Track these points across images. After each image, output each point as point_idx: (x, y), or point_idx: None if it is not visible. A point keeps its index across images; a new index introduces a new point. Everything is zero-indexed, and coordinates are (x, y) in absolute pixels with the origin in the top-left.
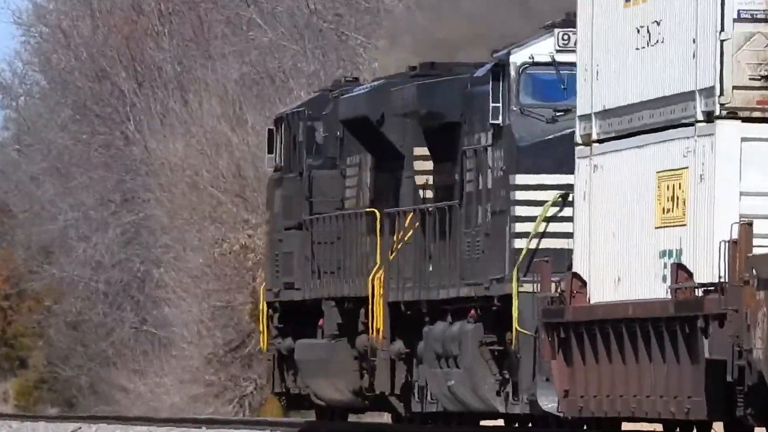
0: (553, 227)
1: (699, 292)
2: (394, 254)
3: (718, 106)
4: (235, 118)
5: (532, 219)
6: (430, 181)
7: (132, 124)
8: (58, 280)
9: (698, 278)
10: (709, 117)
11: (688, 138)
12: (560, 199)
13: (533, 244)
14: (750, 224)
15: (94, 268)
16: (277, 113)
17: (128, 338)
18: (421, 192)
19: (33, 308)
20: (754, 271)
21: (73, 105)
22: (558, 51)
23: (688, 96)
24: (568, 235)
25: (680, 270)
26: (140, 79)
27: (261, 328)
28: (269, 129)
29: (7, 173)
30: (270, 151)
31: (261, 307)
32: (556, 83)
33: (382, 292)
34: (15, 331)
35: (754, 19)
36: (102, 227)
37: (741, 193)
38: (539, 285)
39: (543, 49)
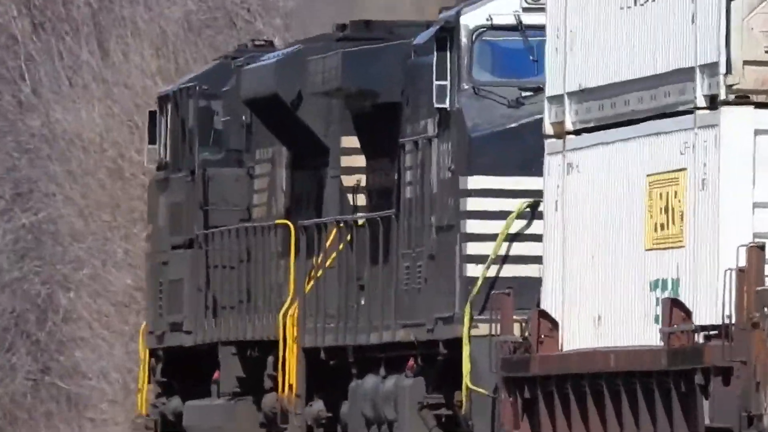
0: (519, 248)
1: (700, 338)
2: (311, 283)
3: (723, 88)
4: (177, 75)
5: (490, 237)
6: (364, 182)
7: (28, 83)
8: None
9: (698, 319)
10: (713, 102)
11: (686, 130)
12: (528, 209)
13: (492, 272)
14: (762, 247)
15: None
16: (161, 90)
17: (23, 393)
18: (351, 197)
19: None
20: (766, 309)
21: None
22: (525, 9)
23: (685, 74)
24: (539, 259)
25: (675, 308)
26: (39, 18)
27: (139, 385)
28: (150, 111)
29: None
30: (152, 141)
31: (141, 356)
32: (523, 53)
33: (296, 335)
34: None
35: None
36: None
37: (755, 205)
38: (499, 326)
39: (506, 6)
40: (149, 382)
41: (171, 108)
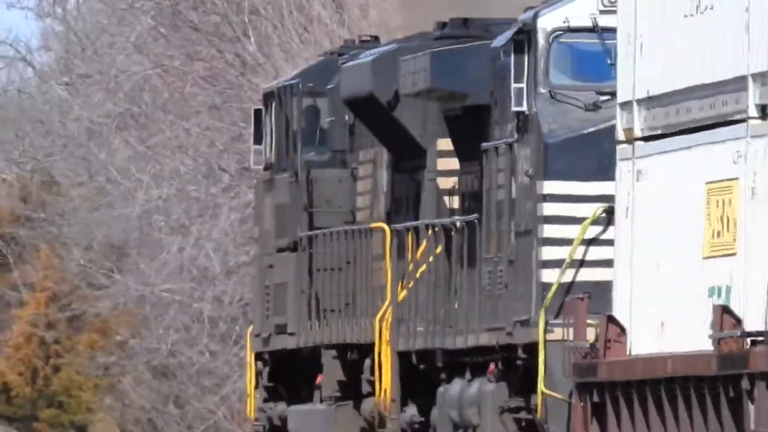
0: (594, 253)
1: (748, 343)
2: (406, 287)
3: None
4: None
5: (566, 242)
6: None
7: (253, 40)
8: (136, 300)
9: (748, 325)
10: (764, 112)
11: (738, 139)
12: (604, 215)
13: (567, 276)
14: None
15: (196, 278)
16: (266, 87)
17: None
18: (447, 200)
19: (96, 344)
20: None
21: (156, 11)
22: (602, 12)
23: (739, 83)
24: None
25: (726, 314)
26: None
27: (248, 390)
28: (255, 110)
29: (51, 121)
30: (257, 141)
31: (248, 361)
32: (601, 56)
33: (389, 339)
34: (66, 381)
35: None
36: (209, 210)
37: None
38: (572, 331)
39: (583, 9)
40: (256, 387)
41: (275, 106)
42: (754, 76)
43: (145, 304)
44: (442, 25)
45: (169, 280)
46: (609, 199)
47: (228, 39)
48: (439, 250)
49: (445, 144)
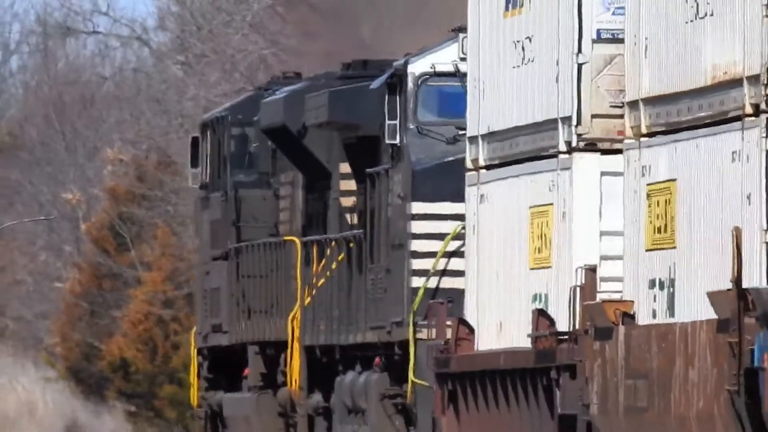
0: (455, 264)
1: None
2: (310, 291)
3: (575, 137)
4: None
5: (431, 255)
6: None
7: (369, 21)
8: None
9: (560, 326)
10: (569, 148)
11: (551, 171)
12: (462, 231)
13: (432, 283)
14: (593, 269)
15: None
16: (203, 118)
17: None
18: (348, 217)
19: None
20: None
21: None
22: (463, 59)
23: (552, 124)
24: None
25: (542, 317)
26: None
27: (191, 380)
28: (193, 137)
29: (167, 101)
30: (194, 165)
31: (191, 355)
32: (460, 97)
33: (298, 336)
34: (185, 358)
35: (615, 40)
36: None
37: (601, 233)
38: (434, 330)
39: (446, 56)
40: (198, 378)
41: (210, 134)
42: (563, 119)
43: None
44: (347, 66)
45: None
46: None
47: (344, 19)
48: (341, 257)
49: (346, 168)
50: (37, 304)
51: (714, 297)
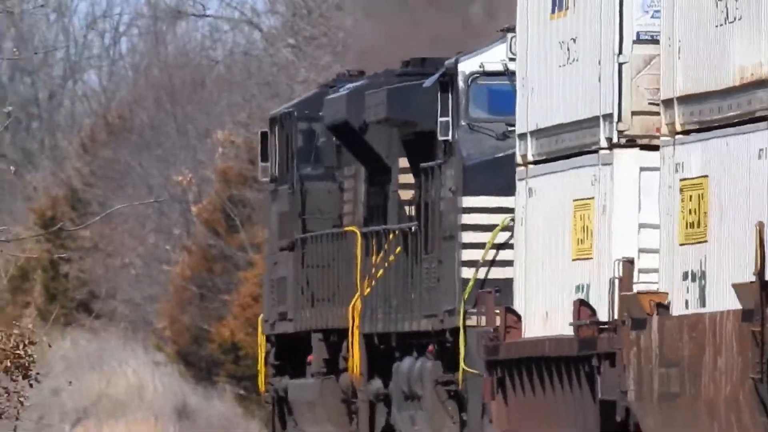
0: (504, 255)
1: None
2: (370, 280)
3: (615, 134)
4: None
5: (480, 246)
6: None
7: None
8: None
9: (601, 315)
10: (611, 143)
11: (593, 166)
12: (511, 223)
13: (481, 274)
14: (631, 261)
15: None
16: (271, 112)
17: None
18: (407, 209)
19: None
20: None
21: None
22: (512, 59)
23: (594, 121)
24: None
25: (583, 306)
26: None
27: (259, 367)
28: (262, 132)
29: (278, 84)
30: (264, 159)
31: (259, 342)
32: (509, 95)
33: (358, 324)
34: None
35: (654, 41)
36: None
37: (640, 225)
38: (484, 318)
39: (495, 56)
40: (266, 365)
41: (278, 129)
42: (604, 116)
43: None
44: (406, 64)
45: None
46: (514, 211)
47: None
48: (398, 250)
49: (405, 162)
50: (146, 288)
51: (739, 288)
